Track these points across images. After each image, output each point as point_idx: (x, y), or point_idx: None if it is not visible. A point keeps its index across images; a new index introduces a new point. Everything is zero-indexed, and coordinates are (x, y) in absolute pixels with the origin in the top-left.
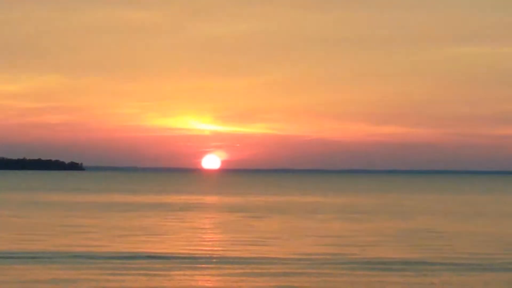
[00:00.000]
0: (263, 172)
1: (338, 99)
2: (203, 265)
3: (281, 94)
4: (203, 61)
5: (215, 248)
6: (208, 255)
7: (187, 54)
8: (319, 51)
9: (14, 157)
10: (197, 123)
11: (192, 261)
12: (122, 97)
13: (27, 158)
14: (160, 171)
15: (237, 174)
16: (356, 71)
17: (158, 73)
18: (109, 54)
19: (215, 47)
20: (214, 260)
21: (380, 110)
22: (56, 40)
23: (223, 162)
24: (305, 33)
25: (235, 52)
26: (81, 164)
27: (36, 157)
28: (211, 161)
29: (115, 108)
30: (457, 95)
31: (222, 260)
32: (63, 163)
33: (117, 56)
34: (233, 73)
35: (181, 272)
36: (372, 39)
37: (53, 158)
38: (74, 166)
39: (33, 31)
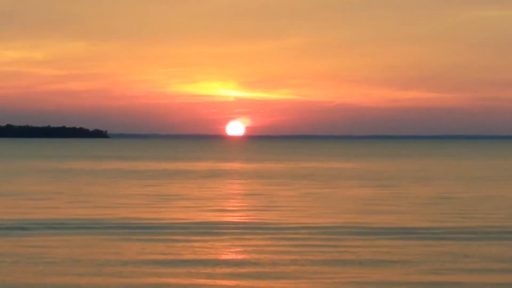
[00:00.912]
0: (288, 138)
1: (363, 64)
2: (222, 234)
3: (306, 59)
4: (227, 27)
5: (236, 216)
6: (228, 223)
7: (211, 19)
8: (345, 15)
9: (39, 124)
10: (221, 89)
11: (211, 229)
12: (146, 64)
13: (52, 125)
14: (184, 138)
15: (261, 141)
16: (381, 36)
17: (182, 39)
18: (134, 20)
19: (240, 12)
20: (234, 228)
21: (405, 75)
22: (80, 6)
23: (247, 128)
24: None
25: (260, 17)
26: (106, 131)
27: (60, 125)
28: (236, 128)
29: (139, 75)
30: (483, 60)
31: (241, 228)
32: (87, 130)
33: (141, 23)
34: (258, 38)
35: (201, 240)
36: (398, 2)
37: (78, 126)
38: (98, 134)
39: None
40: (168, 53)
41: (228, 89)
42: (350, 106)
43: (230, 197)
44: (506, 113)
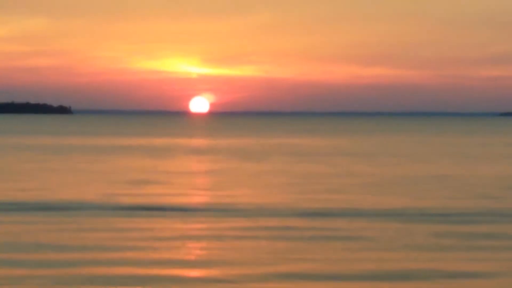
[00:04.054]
0: (251, 115)
1: (326, 41)
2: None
3: (270, 36)
4: (191, 3)
5: (193, 195)
6: (182, 204)
7: None
8: None
9: (2, 101)
10: (184, 65)
11: (161, 211)
12: (109, 40)
13: (15, 101)
14: (147, 114)
15: (224, 117)
16: (344, 13)
17: (144, 15)
18: None
19: None
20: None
21: (368, 53)
22: None
23: (211, 105)
24: None
25: None
26: (70, 107)
27: (24, 101)
28: (199, 104)
29: (102, 51)
30: (445, 37)
31: (195, 209)
32: (51, 106)
33: None
34: (222, 15)
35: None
36: None
37: (41, 102)
38: (62, 110)
39: None
40: (130, 29)
41: (191, 66)
42: (313, 83)
43: (191, 175)
44: (468, 90)
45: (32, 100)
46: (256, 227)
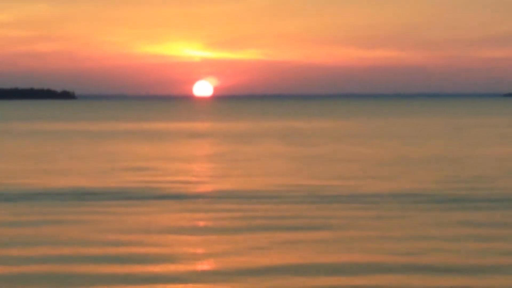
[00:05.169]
0: (254, 98)
1: (328, 24)
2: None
3: (272, 20)
4: None
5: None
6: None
7: None
8: None
9: (6, 86)
10: (187, 50)
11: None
12: (112, 25)
13: (19, 87)
14: (151, 98)
15: (228, 101)
16: None
17: (147, 0)
18: None
19: None
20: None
21: (370, 35)
22: None
23: (214, 89)
24: None
25: None
26: (73, 93)
27: (28, 87)
28: (203, 88)
29: (105, 36)
30: (447, 19)
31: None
32: (55, 92)
33: None
34: None
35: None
36: None
37: (45, 87)
38: (66, 95)
39: None
40: (134, 14)
41: (194, 50)
42: (315, 65)
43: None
44: (471, 71)
45: (36, 86)
46: (252, 211)
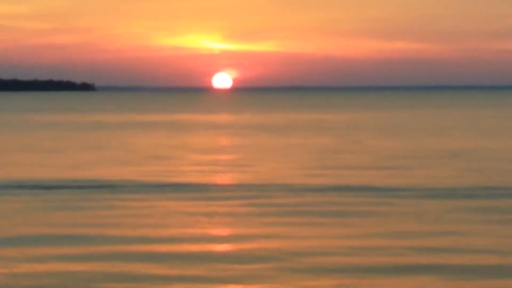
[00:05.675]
0: (273, 90)
1: (348, 16)
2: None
3: (291, 11)
4: None
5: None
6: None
7: None
8: None
9: (26, 78)
10: (206, 41)
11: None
12: (130, 17)
13: (39, 79)
14: (170, 90)
15: (247, 93)
16: None
17: None
18: None
19: None
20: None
21: (390, 27)
22: None
23: (234, 80)
24: None
25: None
26: (93, 84)
27: (47, 78)
28: (222, 80)
29: (123, 28)
30: (465, 11)
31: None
32: (74, 84)
33: None
34: None
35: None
36: None
37: (65, 79)
38: (86, 87)
39: None
40: (153, 6)
41: (213, 42)
42: (335, 58)
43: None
44: (489, 63)
45: (56, 78)
46: (272, 203)
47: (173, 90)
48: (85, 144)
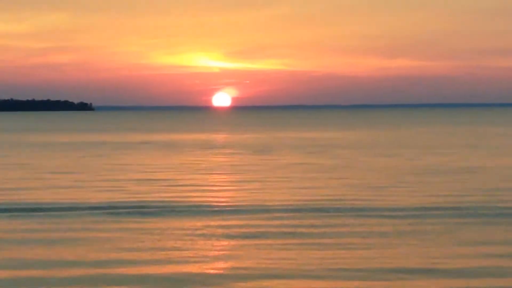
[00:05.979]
0: (274, 109)
1: (348, 33)
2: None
3: (291, 29)
4: None
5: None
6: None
7: None
8: None
9: (23, 98)
10: (206, 60)
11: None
12: (128, 35)
13: (36, 99)
14: (169, 109)
15: (247, 112)
16: (365, 4)
17: (164, 9)
18: None
19: None
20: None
21: (391, 44)
22: None
23: (233, 99)
24: None
25: None
26: (91, 104)
27: (45, 98)
28: (221, 99)
29: (121, 46)
30: (469, 27)
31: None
32: (72, 103)
33: None
34: (242, 7)
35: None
36: None
37: (62, 99)
38: (83, 106)
39: None
40: (151, 24)
41: (213, 60)
42: (336, 75)
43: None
44: (491, 81)
45: (53, 97)
46: (267, 225)
47: (172, 109)
48: (75, 164)
